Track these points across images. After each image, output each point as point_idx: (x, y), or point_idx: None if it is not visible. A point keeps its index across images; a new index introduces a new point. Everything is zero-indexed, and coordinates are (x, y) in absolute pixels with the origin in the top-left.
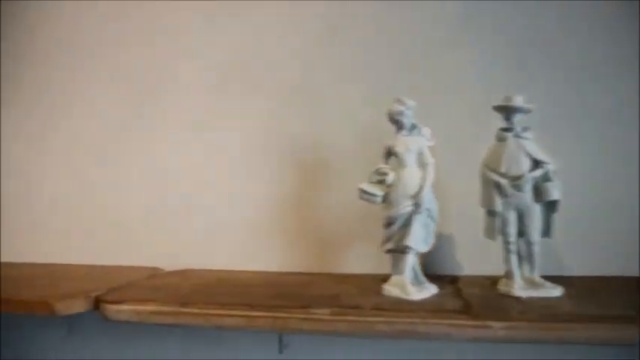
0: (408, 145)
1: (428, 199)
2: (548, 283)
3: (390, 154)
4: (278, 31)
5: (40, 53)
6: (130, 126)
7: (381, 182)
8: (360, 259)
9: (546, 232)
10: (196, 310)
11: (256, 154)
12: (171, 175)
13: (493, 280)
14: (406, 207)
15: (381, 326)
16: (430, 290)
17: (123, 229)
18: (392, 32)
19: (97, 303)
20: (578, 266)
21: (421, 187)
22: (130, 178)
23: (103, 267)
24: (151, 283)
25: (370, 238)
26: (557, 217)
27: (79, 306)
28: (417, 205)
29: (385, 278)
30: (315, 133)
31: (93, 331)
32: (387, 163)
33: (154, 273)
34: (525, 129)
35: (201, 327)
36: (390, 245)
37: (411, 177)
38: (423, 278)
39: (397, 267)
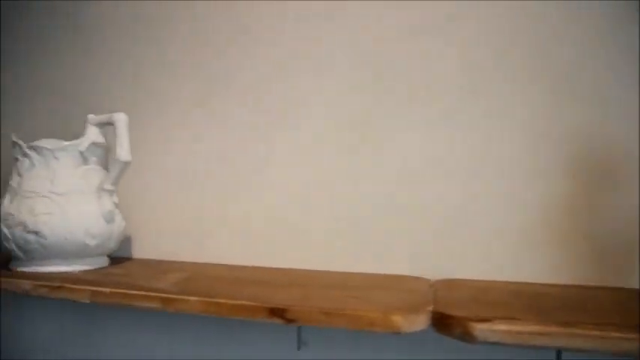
0: None
1: None
2: None
3: None
4: (555, 17)
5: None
6: (370, 116)
7: None
8: None
9: None
10: (595, 333)
11: (525, 152)
12: (416, 174)
13: None
14: None
15: None
16: None
17: (358, 233)
18: None
19: (438, 319)
20: None
21: None
22: (369, 175)
23: (352, 274)
24: (462, 295)
25: None
26: None
27: (421, 322)
28: None
29: None
30: (596, 128)
31: (324, 345)
32: None
33: (429, 283)
34: None
35: (591, 351)
36: None
37: None
38: None
39: None
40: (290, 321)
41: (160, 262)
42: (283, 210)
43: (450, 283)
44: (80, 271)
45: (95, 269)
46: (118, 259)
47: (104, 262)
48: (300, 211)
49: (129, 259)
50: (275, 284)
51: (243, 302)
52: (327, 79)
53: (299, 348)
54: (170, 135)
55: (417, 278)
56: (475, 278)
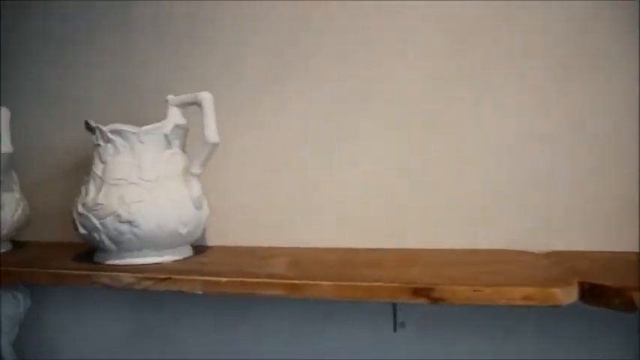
0: None
1: None
2: None
3: None
4: None
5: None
6: (463, 89)
7: None
8: None
9: None
10: None
11: (618, 121)
12: (512, 147)
13: None
14: None
15: None
16: None
17: (454, 208)
18: None
19: (589, 289)
20: None
21: None
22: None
23: (458, 251)
24: (588, 266)
25: None
26: None
27: (573, 294)
28: None
29: None
30: None
31: (424, 326)
32: None
33: (538, 255)
34: None
35: None
36: None
37: None
38: None
39: None
40: (436, 300)
41: (248, 249)
42: (373, 189)
43: (562, 255)
44: (172, 262)
45: (184, 259)
46: (198, 247)
47: (189, 251)
48: (392, 189)
49: (207, 247)
50: (391, 265)
51: (383, 284)
52: (413, 48)
53: (395, 330)
54: (242, 116)
55: (524, 252)
56: (575, 250)
